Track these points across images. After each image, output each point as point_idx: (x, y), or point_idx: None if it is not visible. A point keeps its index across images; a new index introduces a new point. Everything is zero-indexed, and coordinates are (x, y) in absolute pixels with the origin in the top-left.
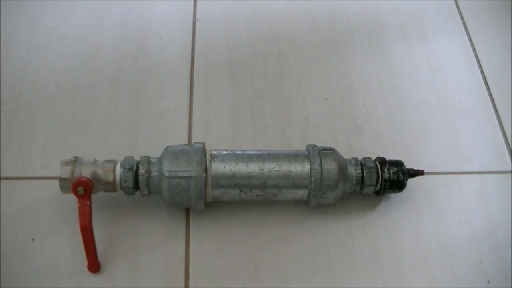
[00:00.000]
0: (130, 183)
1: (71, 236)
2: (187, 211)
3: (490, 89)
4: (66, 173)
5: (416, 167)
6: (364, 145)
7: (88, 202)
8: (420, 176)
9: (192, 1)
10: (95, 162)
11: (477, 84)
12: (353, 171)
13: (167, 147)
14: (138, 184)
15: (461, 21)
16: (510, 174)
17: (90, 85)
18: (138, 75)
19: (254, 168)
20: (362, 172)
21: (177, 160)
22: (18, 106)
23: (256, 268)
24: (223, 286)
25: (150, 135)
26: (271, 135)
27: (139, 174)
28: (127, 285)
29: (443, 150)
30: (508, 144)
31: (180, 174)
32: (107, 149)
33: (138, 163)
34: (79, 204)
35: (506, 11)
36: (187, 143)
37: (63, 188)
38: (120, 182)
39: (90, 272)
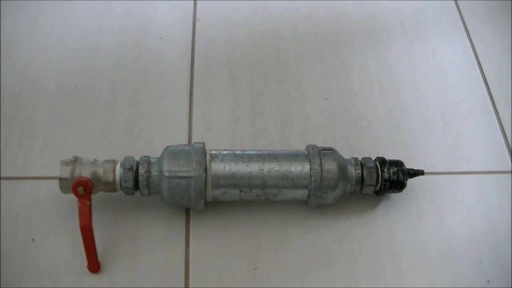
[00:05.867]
0: (130, 183)
1: (71, 236)
2: (187, 211)
3: (490, 89)
4: (66, 173)
5: (416, 167)
6: (364, 145)
7: (88, 202)
8: (420, 176)
9: (192, 1)
10: (95, 162)
11: (477, 84)
12: (353, 171)
13: (167, 147)
14: (138, 184)
15: (461, 21)
16: (510, 174)
17: (90, 85)
18: (138, 75)
19: (254, 168)
20: (362, 172)
21: (177, 160)
22: (18, 106)
23: (256, 268)
24: (223, 286)
25: (150, 135)
26: (271, 135)
27: (139, 174)
28: (127, 285)
29: (443, 150)
30: (508, 144)
31: (180, 174)
32: (107, 149)
33: (138, 163)
34: (79, 204)
35: (506, 11)
36: (187, 143)
37: (63, 188)
38: (120, 182)
39: (90, 272)
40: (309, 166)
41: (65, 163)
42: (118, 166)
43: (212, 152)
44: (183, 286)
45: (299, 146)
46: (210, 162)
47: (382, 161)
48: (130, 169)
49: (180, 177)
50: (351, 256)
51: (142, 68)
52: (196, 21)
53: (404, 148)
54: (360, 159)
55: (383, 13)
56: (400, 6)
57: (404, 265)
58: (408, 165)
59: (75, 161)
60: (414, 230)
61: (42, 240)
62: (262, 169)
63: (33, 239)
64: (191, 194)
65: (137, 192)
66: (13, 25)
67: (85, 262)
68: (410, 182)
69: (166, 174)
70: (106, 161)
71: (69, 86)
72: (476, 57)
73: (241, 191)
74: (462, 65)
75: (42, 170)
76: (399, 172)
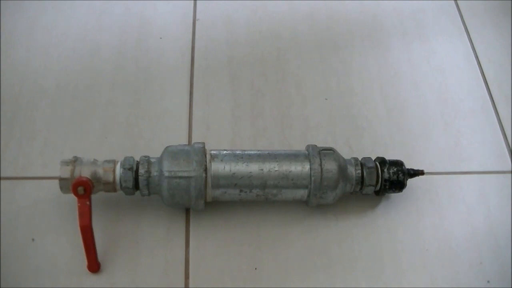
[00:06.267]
0: (130, 183)
1: (71, 236)
2: (187, 211)
3: (490, 89)
4: (66, 173)
5: (416, 167)
6: (364, 145)
7: (88, 202)
8: (420, 176)
9: (192, 1)
10: (95, 162)
11: (477, 84)
12: (353, 171)
13: (167, 147)
14: (138, 184)
15: (461, 21)
16: (510, 174)
17: (90, 85)
18: (138, 75)
19: (254, 168)
20: (362, 172)
21: (177, 160)
22: (18, 106)
23: (256, 268)
24: (223, 286)
25: (150, 135)
26: (271, 135)
27: (139, 174)
28: (127, 285)
29: (443, 150)
30: (508, 144)
31: (180, 174)
32: (107, 149)
33: (138, 163)
34: (79, 204)
35: (506, 11)
36: (187, 143)
37: (63, 188)
38: (120, 182)
39: (90, 272)
40: (309, 166)
41: (65, 163)
42: (118, 166)
43: (212, 152)
44: (183, 286)
45: (299, 146)
46: (210, 162)
47: (382, 161)
48: (130, 169)
49: (180, 177)
50: (351, 256)
51: (142, 68)
52: (196, 21)
53: (404, 148)
54: (360, 159)
55: (383, 13)
56: (400, 6)
57: (404, 265)
58: (408, 165)
59: (75, 161)
60: (414, 230)
61: (42, 240)
62: (262, 169)
63: (33, 239)
64: (191, 194)
65: (137, 192)
66: (13, 25)
67: (85, 262)
68: (410, 182)
69: (166, 174)
70: (106, 161)
71: (69, 86)
72: (476, 57)
73: (241, 191)
74: (462, 65)
75: (42, 170)
76: (399, 172)
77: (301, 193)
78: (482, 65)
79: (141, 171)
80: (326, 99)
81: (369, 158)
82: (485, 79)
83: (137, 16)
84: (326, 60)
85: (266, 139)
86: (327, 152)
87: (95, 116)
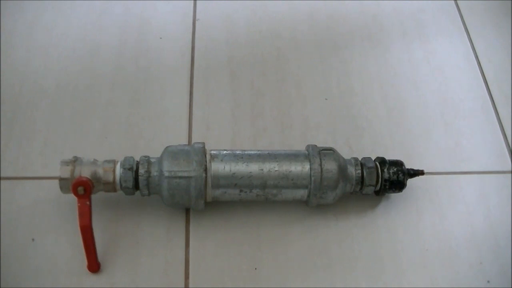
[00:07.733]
0: (130, 183)
1: (71, 236)
2: (187, 211)
3: (490, 89)
4: (66, 173)
5: (416, 167)
6: (364, 145)
7: (88, 202)
8: (420, 176)
9: (192, 1)
10: (95, 162)
11: (477, 84)
12: (353, 171)
13: (167, 147)
14: (138, 184)
15: (461, 21)
16: (510, 174)
17: (90, 85)
18: (138, 75)
19: (254, 168)
20: (362, 172)
21: (177, 160)
22: (18, 106)
23: (256, 268)
24: (223, 286)
25: (150, 135)
26: (271, 135)
27: (139, 174)
28: (127, 285)
29: (443, 150)
30: (508, 144)
31: (180, 174)
32: (107, 149)
33: (138, 163)
34: (79, 204)
35: (506, 11)
36: (187, 143)
37: (63, 188)
38: (120, 182)
39: (90, 272)
40: (309, 166)
41: (65, 163)
42: (118, 166)
43: (212, 152)
44: (183, 286)
45: (299, 146)
46: (210, 162)
47: (382, 161)
48: (130, 169)
49: (180, 177)
50: (351, 256)
51: (142, 68)
52: (196, 21)
53: (404, 148)
54: (360, 159)
55: (383, 13)
56: (400, 6)
57: (404, 265)
58: (408, 165)
59: (75, 161)
60: (414, 230)
61: (42, 240)
62: (262, 169)
63: (33, 239)
64: (191, 194)
65: (137, 192)
66: (13, 25)
67: (85, 262)
68: (410, 182)
69: (166, 174)
70: (106, 161)
71: (69, 86)
72: (476, 57)
73: (241, 191)
74: (462, 65)
75: (42, 170)
76: (399, 172)
77: (301, 193)
78: (482, 65)
79: (141, 171)
80: (326, 99)
81: (369, 158)
82: (485, 79)
83: (137, 16)
84: (326, 60)
85: (266, 139)
86: (327, 152)
87: (95, 116)
